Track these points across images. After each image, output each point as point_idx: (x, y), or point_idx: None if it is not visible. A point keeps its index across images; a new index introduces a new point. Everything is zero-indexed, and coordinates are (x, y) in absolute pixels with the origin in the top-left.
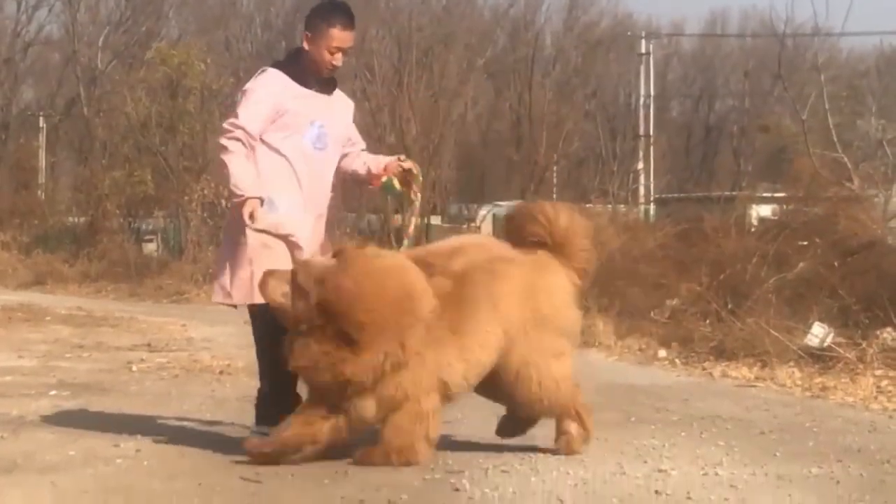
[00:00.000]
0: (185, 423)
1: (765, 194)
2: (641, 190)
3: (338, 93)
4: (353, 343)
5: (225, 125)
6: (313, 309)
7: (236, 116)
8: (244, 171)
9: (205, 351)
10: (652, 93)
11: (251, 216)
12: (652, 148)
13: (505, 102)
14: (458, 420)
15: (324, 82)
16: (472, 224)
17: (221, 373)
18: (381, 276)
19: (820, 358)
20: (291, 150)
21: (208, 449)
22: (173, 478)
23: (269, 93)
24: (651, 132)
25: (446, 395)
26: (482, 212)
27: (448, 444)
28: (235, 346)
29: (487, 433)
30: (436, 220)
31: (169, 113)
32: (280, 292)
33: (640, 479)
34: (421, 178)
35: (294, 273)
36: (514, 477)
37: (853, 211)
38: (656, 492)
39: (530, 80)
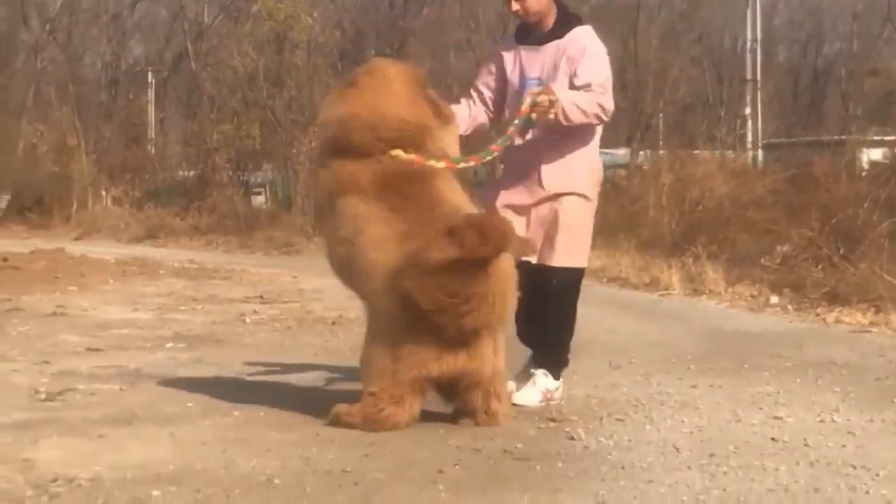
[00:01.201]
0: (300, 374)
1: (875, 137)
2: (749, 135)
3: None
4: None
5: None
6: None
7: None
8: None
9: (316, 302)
10: (759, 37)
11: None
12: (759, 93)
13: (610, 49)
14: (571, 369)
15: (538, 36)
16: None
17: (334, 323)
18: None
19: None
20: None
21: (324, 399)
22: (290, 428)
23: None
24: (758, 77)
25: None
26: None
27: (562, 393)
28: (346, 297)
29: (601, 382)
30: None
31: (276, 66)
32: None
33: (755, 427)
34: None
35: None
36: (628, 425)
37: None
38: (772, 439)
39: (636, 26)
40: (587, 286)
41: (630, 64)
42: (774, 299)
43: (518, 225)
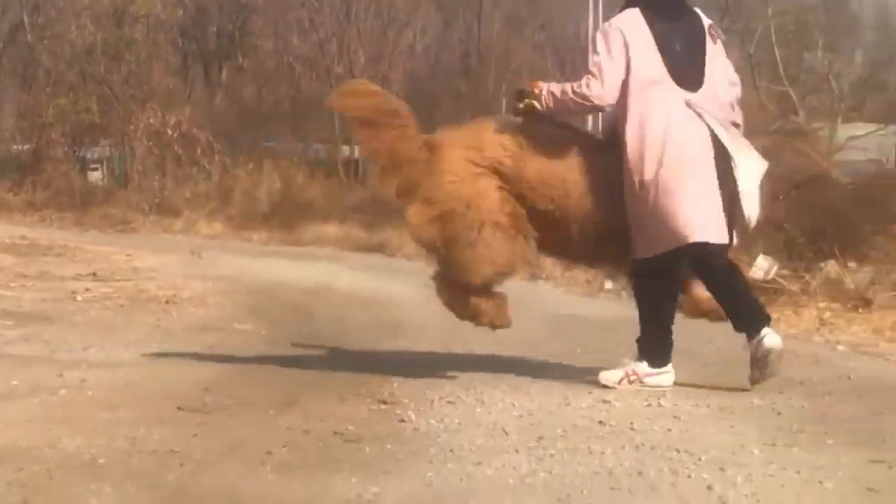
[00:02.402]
0: (130, 353)
1: None
2: (590, 122)
3: None
4: None
5: None
6: None
7: None
8: None
9: (150, 280)
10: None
11: None
12: None
13: (454, 33)
14: (405, 351)
15: None
16: None
17: (167, 302)
18: None
19: (764, 290)
20: None
21: (154, 379)
22: (118, 407)
23: None
24: None
25: None
26: None
27: (394, 375)
28: (182, 276)
29: (435, 364)
30: None
31: (114, 41)
32: None
33: (584, 410)
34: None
35: None
36: (459, 408)
37: (799, 144)
38: (600, 422)
39: (479, 11)
40: (426, 269)
41: (473, 48)
42: (609, 285)
43: None
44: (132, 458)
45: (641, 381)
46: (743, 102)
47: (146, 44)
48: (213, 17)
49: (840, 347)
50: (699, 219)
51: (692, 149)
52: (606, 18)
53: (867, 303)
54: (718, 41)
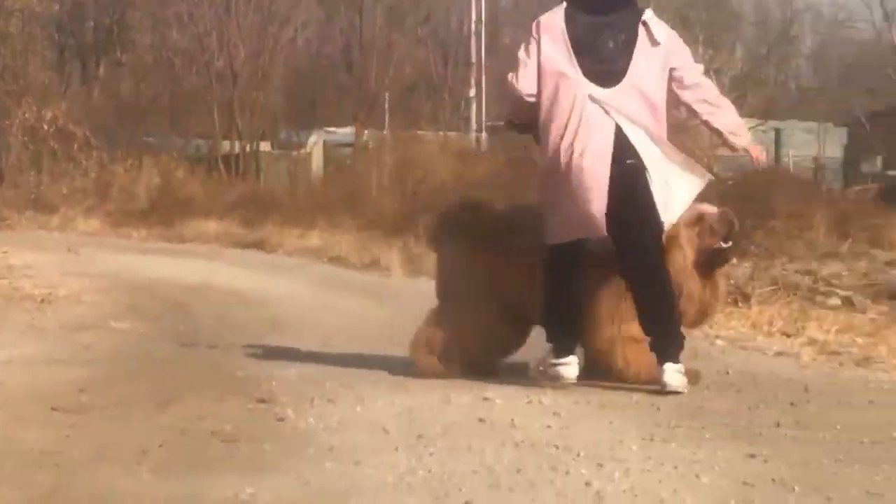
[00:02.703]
0: (4, 353)
1: None
2: (473, 117)
3: None
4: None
5: None
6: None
7: None
8: None
9: (26, 279)
10: (483, 19)
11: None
12: (483, 75)
13: (335, 27)
14: (284, 349)
15: None
16: (303, 151)
17: (43, 301)
18: None
19: None
20: None
21: (28, 379)
22: None
23: None
24: (483, 59)
25: None
26: (312, 138)
27: (273, 373)
28: (58, 274)
29: (314, 362)
30: (265, 146)
31: None
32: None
33: (464, 408)
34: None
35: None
36: (339, 406)
37: (680, 139)
38: (480, 420)
39: (361, 5)
40: (304, 265)
41: (355, 42)
42: None
43: None
44: (6, 459)
45: (547, 370)
46: None
47: (21, 37)
48: (91, 11)
49: (719, 342)
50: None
51: (590, 144)
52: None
53: (746, 298)
54: (660, 41)
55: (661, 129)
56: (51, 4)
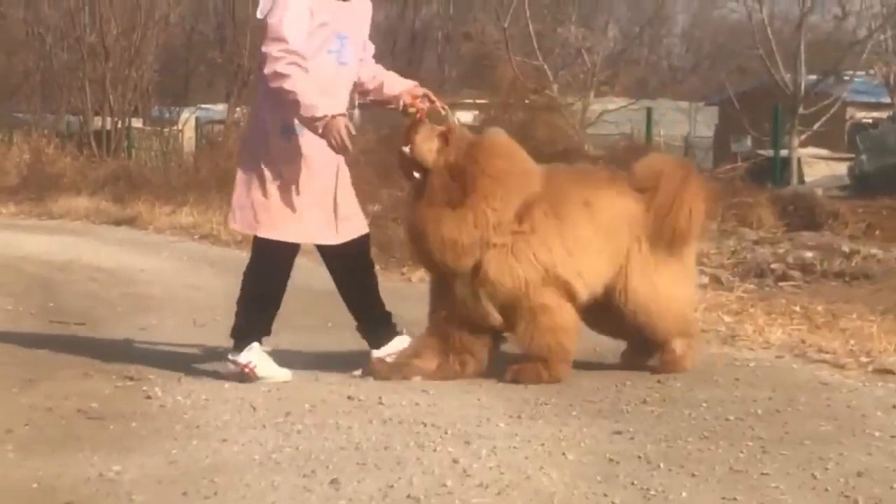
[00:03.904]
0: None
1: (467, 101)
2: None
3: None
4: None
5: (275, 52)
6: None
7: (283, 38)
8: (313, 93)
9: None
10: None
11: (348, 131)
12: None
13: (209, 4)
14: (153, 326)
15: None
16: (175, 128)
17: None
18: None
19: None
20: (316, 68)
21: None
22: None
23: (303, 5)
24: None
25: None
26: (185, 115)
27: (140, 350)
28: None
29: (183, 340)
30: (137, 123)
31: None
32: (427, 146)
33: (333, 385)
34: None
35: (448, 130)
36: (206, 384)
37: (552, 118)
38: (349, 397)
39: None
40: (175, 243)
41: (228, 19)
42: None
43: None
44: None
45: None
46: (499, 76)
47: None
48: None
49: None
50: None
51: None
52: None
53: None
54: None
55: None
56: None
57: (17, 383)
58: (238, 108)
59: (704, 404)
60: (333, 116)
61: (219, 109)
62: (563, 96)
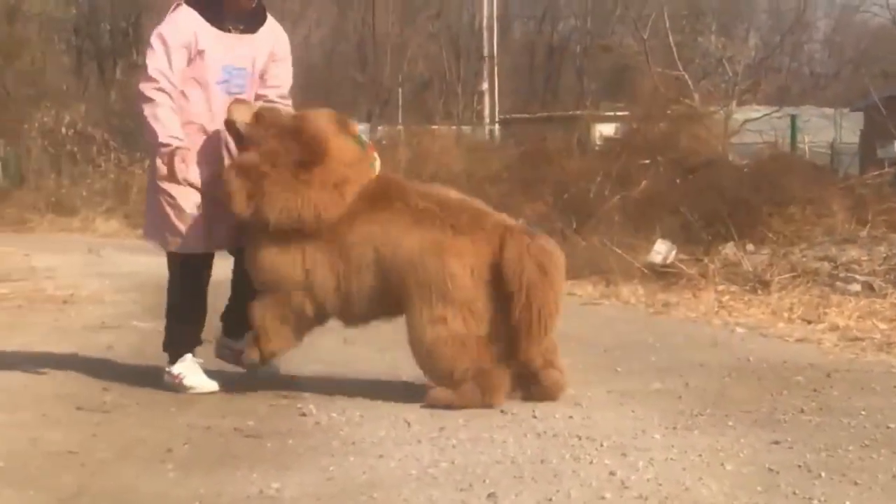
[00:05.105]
0: (28, 355)
1: (607, 113)
2: (486, 111)
3: (265, 29)
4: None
5: (149, 73)
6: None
7: (157, 63)
8: (173, 121)
9: (48, 280)
10: (495, 13)
11: (183, 164)
12: (496, 69)
13: (349, 24)
14: (303, 344)
15: (247, 19)
16: None
17: (65, 302)
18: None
19: (663, 275)
20: (199, 97)
21: (52, 380)
22: (17, 409)
23: (182, 37)
24: (495, 53)
25: None
26: None
27: (295, 367)
28: (80, 275)
29: (335, 358)
30: None
31: (7, 39)
32: (244, 119)
33: None
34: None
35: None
36: (361, 401)
37: (694, 128)
38: (502, 411)
39: (374, 1)
40: None
41: (369, 39)
42: None
43: None
44: (32, 460)
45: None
46: (639, 87)
47: (40, 42)
48: (107, 15)
49: (739, 330)
50: None
51: None
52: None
53: (765, 285)
54: None
55: None
56: (68, 9)
57: (174, 403)
58: (379, 128)
59: (863, 413)
60: (174, 147)
61: (360, 128)
62: (705, 106)
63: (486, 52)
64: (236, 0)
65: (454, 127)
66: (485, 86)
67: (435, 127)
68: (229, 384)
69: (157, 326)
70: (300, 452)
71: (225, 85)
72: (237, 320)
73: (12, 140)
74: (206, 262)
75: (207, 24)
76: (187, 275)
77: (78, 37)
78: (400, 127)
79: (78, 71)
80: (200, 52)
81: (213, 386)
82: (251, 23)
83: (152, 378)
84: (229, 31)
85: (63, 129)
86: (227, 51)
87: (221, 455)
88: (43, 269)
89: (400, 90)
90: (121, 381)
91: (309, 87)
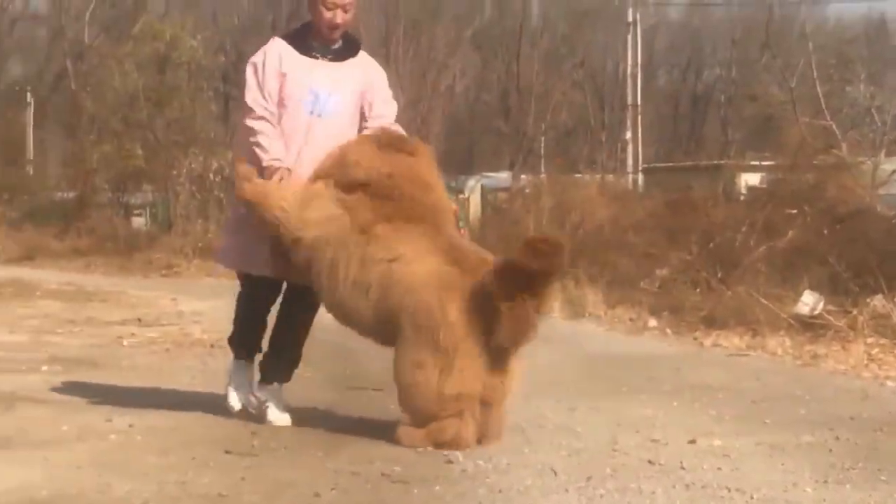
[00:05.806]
0: (177, 398)
1: (753, 163)
2: (630, 159)
3: (356, 60)
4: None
5: (248, 104)
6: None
7: (251, 94)
8: (275, 146)
9: (195, 324)
10: (639, 62)
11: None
12: (640, 117)
13: (493, 73)
14: None
15: (335, 50)
16: (461, 195)
17: (212, 346)
18: None
19: (810, 326)
20: (289, 119)
21: (201, 423)
22: (167, 452)
23: (271, 62)
24: (639, 102)
25: None
26: (470, 183)
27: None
28: (226, 320)
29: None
30: None
31: (157, 87)
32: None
33: (632, 450)
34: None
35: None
36: (507, 448)
37: (842, 178)
38: (649, 462)
39: (518, 51)
40: None
41: (512, 88)
42: (653, 322)
43: None
44: (182, 502)
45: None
46: (785, 137)
47: (189, 90)
48: None
49: (889, 383)
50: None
51: None
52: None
53: None
54: None
55: None
56: (216, 57)
57: (321, 448)
58: (522, 176)
59: None
60: (275, 167)
61: (503, 177)
62: (853, 156)
63: (629, 100)
64: (322, 34)
65: (598, 175)
66: (628, 134)
67: (578, 175)
68: (376, 430)
69: (301, 372)
70: (447, 500)
71: (310, 105)
72: (278, 365)
73: (161, 186)
74: (273, 286)
75: (294, 51)
76: (257, 298)
77: (226, 84)
78: (543, 175)
79: (225, 118)
80: (284, 74)
81: (287, 420)
82: (338, 54)
83: (300, 421)
84: (316, 58)
85: (210, 175)
86: (310, 72)
87: (369, 500)
88: (190, 314)
89: (543, 139)
90: (269, 425)
91: (452, 136)
